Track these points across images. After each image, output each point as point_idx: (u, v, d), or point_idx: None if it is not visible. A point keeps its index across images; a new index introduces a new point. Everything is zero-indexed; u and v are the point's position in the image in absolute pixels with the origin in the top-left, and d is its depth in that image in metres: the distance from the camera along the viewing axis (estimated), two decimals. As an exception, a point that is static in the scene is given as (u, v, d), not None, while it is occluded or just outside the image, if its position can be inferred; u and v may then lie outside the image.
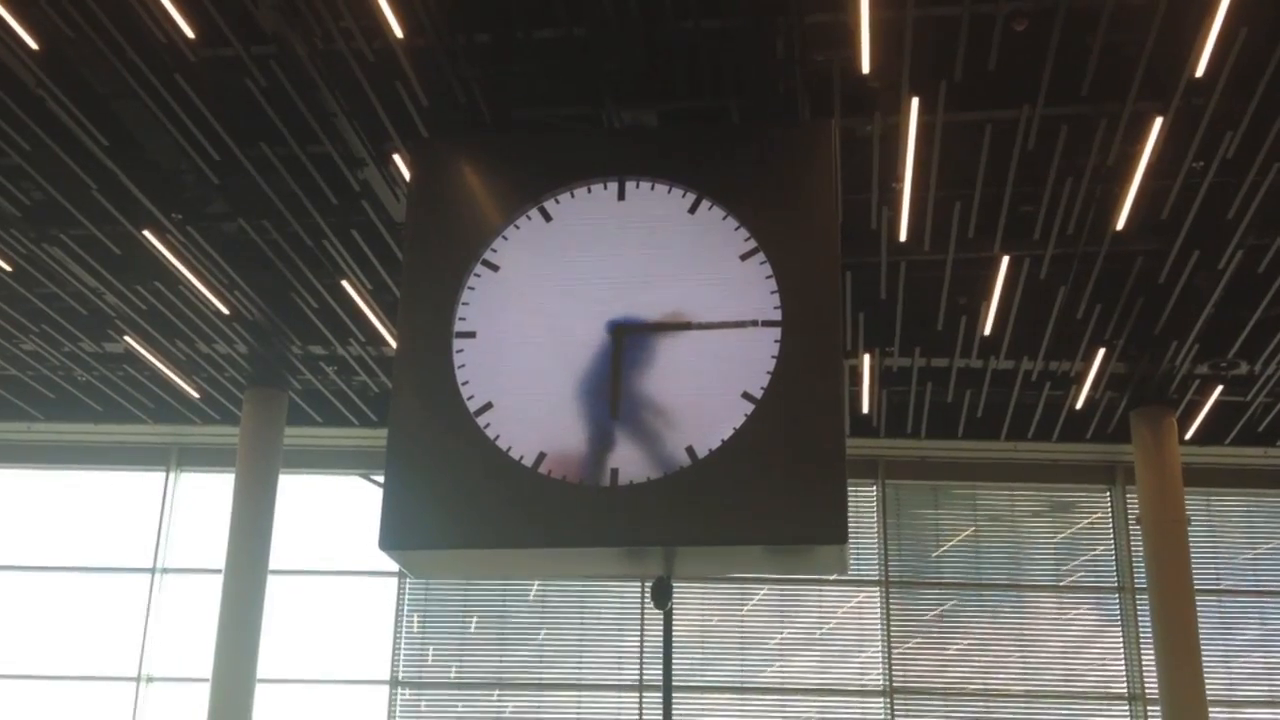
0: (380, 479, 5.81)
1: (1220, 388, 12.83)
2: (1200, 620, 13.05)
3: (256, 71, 8.40)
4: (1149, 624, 13.49)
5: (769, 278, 5.66)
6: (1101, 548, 15.15)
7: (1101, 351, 12.13)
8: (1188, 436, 13.70)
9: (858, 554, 14.83)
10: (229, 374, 13.42)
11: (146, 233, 10.27)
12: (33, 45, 8.02)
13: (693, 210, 5.90)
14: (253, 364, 13.14)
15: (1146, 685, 14.25)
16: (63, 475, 15.78)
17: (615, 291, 5.79)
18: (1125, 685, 14.57)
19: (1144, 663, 14.33)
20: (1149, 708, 14.18)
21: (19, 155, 9.36)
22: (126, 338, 12.41)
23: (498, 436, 5.57)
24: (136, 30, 8.06)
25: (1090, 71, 8.29)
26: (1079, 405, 13.37)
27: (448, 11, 7.90)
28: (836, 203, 5.93)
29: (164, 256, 10.58)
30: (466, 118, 8.63)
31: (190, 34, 7.88)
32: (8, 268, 11.01)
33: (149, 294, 11.54)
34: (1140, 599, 14.46)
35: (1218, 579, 14.91)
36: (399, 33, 7.78)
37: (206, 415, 14.56)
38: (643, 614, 14.87)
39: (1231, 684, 14.49)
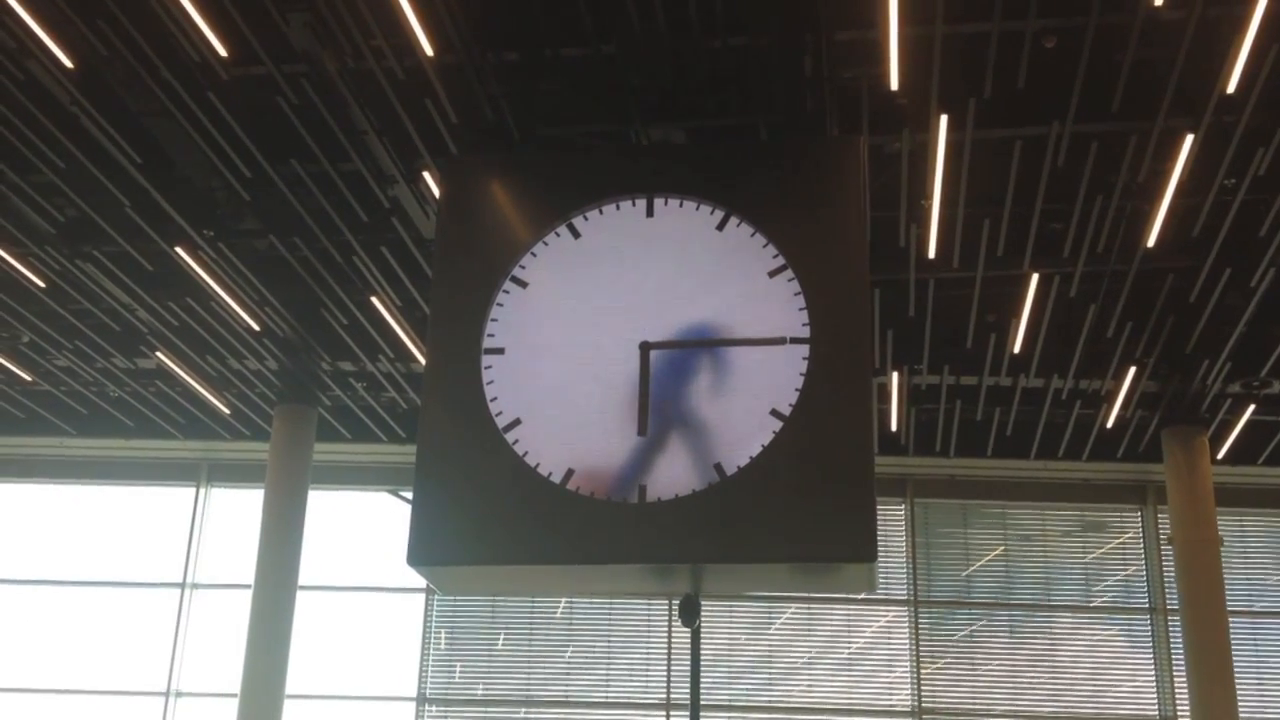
0: (408, 495, 5.81)
1: (1252, 407, 12.73)
2: (1233, 642, 12.93)
3: (288, 89, 8.46)
4: (1181, 646, 13.37)
5: (797, 295, 5.64)
6: (1133, 568, 15.04)
7: (1132, 370, 12.06)
8: (1220, 456, 13.60)
9: (886, 573, 14.76)
10: (259, 390, 13.49)
11: (179, 249, 10.35)
12: (68, 63, 8.11)
13: (721, 227, 5.89)
14: (283, 380, 13.22)
15: (1178, 708, 14.11)
16: (95, 490, 15.91)
17: (643, 308, 5.78)
18: (1156, 708, 14.43)
19: (1176, 685, 14.20)
20: (1181, 731, 14.06)
21: (53, 172, 9.46)
22: (158, 353, 12.50)
23: (526, 453, 5.56)
24: (170, 49, 8.14)
25: (1120, 88, 8.26)
26: (1110, 424, 13.28)
27: (477, 30, 7.94)
28: (865, 220, 5.90)
29: (196, 273, 10.66)
30: (495, 135, 8.67)
31: (223, 52, 7.95)
32: (42, 284, 11.12)
33: (181, 310, 11.62)
34: (1172, 620, 14.34)
35: (1251, 600, 14.77)
36: (429, 51, 7.83)
37: (237, 431, 14.64)
38: (670, 632, 14.85)
39: (1265, 707, 14.33)
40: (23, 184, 9.66)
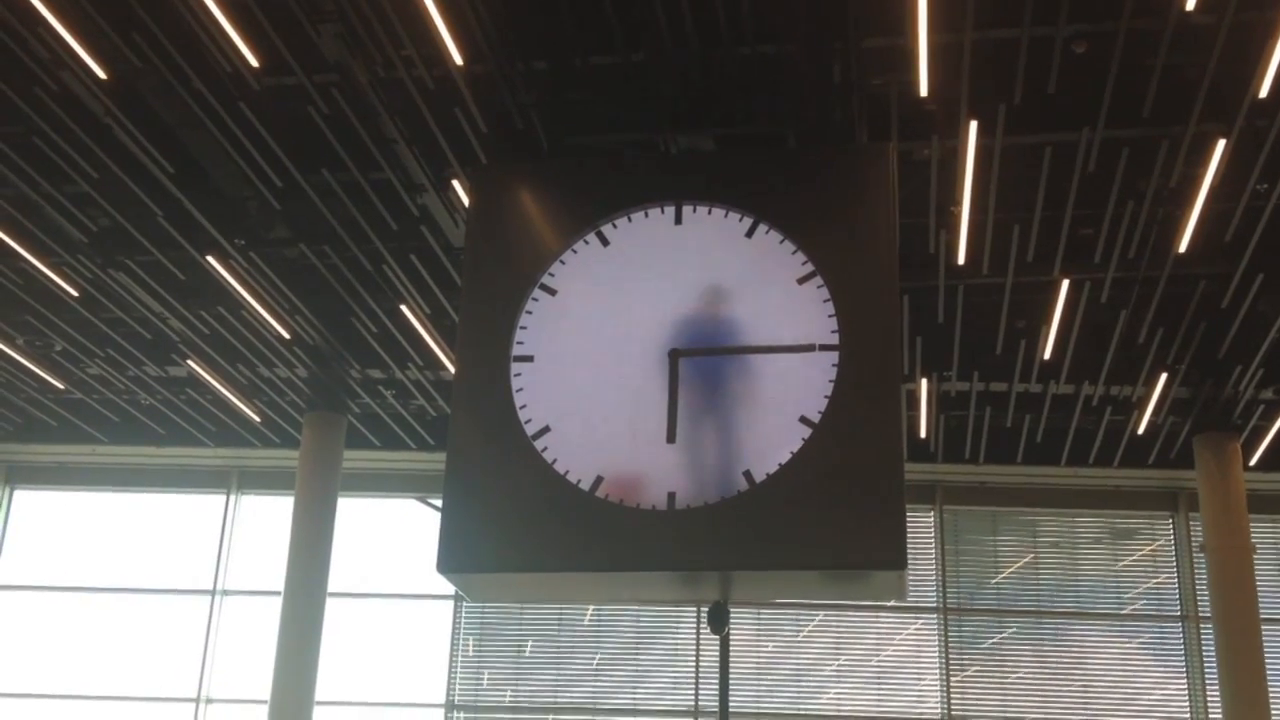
0: (437, 503, 5.82)
1: (1285, 413, 12.65)
2: (1266, 651, 12.83)
3: (319, 99, 8.51)
4: (1213, 654, 13.26)
5: (826, 301, 5.65)
6: (1164, 576, 14.92)
7: (1163, 376, 11.98)
8: (1252, 462, 13.49)
9: (915, 580, 14.70)
10: (289, 398, 13.56)
11: (210, 258, 10.42)
12: (101, 75, 8.18)
13: (750, 234, 5.90)
14: (312, 388, 13.28)
15: (1210, 716, 13.99)
16: (126, 497, 16.01)
17: (672, 315, 5.80)
18: (1189, 717, 14.31)
19: (1208, 694, 14.08)
20: (1214, 740, 13.94)
21: (87, 183, 9.54)
22: (189, 362, 12.58)
23: (555, 460, 5.58)
24: (202, 60, 8.20)
25: (1151, 93, 8.21)
26: (1141, 430, 13.20)
27: (506, 39, 7.97)
28: (894, 226, 5.90)
29: (226, 281, 10.73)
30: (525, 144, 8.70)
31: (255, 63, 8.00)
32: (75, 293, 11.21)
33: (211, 318, 11.70)
34: (1204, 628, 14.22)
35: (1284, 608, 14.64)
36: (459, 60, 7.86)
37: (267, 439, 14.72)
38: (698, 639, 14.83)
39: (1299, 716, 14.19)
40: (56, 194, 9.75)
